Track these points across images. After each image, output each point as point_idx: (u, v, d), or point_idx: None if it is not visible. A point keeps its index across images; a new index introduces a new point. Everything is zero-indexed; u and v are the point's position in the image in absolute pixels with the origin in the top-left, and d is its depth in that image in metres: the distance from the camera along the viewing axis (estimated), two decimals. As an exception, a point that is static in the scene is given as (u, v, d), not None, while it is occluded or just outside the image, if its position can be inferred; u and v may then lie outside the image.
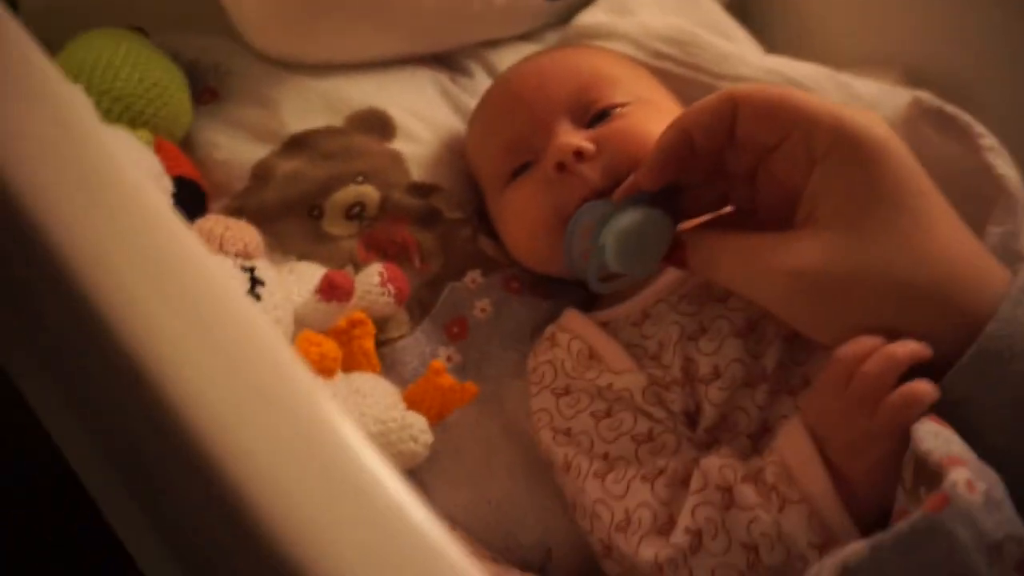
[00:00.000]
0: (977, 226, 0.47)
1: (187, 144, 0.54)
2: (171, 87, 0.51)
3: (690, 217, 0.44)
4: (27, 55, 0.24)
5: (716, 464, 0.39)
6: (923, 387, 0.34)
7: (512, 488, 0.48)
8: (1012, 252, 0.45)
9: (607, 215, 0.42)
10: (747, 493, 0.38)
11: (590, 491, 0.43)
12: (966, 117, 0.51)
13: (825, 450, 0.36)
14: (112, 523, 0.42)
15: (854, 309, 0.37)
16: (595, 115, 0.49)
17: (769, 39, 0.71)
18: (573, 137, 0.47)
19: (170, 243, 0.22)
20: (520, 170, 0.50)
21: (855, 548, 0.31)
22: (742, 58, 0.60)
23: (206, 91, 0.56)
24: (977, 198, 0.47)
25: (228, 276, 0.22)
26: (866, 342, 0.36)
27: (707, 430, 0.44)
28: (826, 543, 0.35)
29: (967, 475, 0.30)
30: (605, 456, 0.44)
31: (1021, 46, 0.63)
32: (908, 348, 0.35)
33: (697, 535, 0.38)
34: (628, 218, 0.41)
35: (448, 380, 0.44)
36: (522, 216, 0.50)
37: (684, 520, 0.39)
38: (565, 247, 0.44)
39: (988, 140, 0.49)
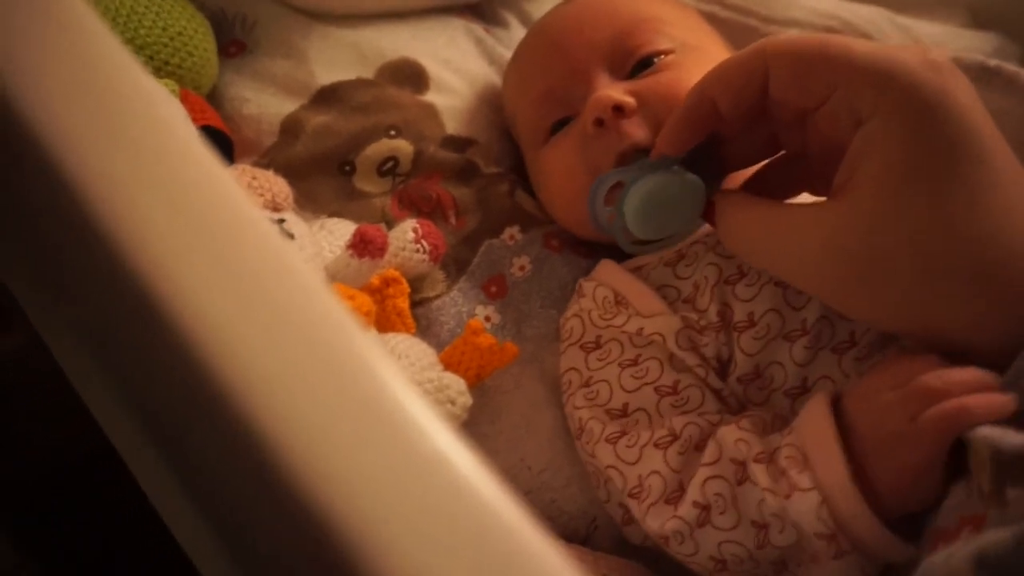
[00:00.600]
0: None
1: (213, 98, 0.52)
2: (196, 37, 0.49)
3: (736, 167, 0.41)
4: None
5: (732, 436, 0.37)
6: (979, 404, 0.31)
7: (554, 455, 0.46)
8: None
9: (630, 180, 0.39)
10: (758, 473, 0.35)
11: (602, 456, 0.41)
12: (1010, 67, 0.48)
13: (852, 440, 0.33)
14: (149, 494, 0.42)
15: (891, 291, 0.33)
16: (637, 63, 0.46)
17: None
18: (613, 90, 0.44)
19: (204, 180, 0.20)
20: (559, 125, 0.48)
21: (996, 536, 0.27)
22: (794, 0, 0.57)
23: (232, 43, 0.54)
24: None
25: (260, 216, 0.20)
26: (951, 376, 0.32)
27: (740, 380, 0.41)
28: (834, 536, 0.33)
29: None
30: (624, 408, 0.42)
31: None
32: (987, 401, 0.31)
33: (705, 509, 0.37)
34: (649, 184, 0.38)
35: (487, 339, 0.42)
36: (558, 176, 0.47)
37: (693, 492, 0.37)
38: (590, 212, 0.42)
39: None
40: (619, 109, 0.43)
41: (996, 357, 0.32)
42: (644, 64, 0.46)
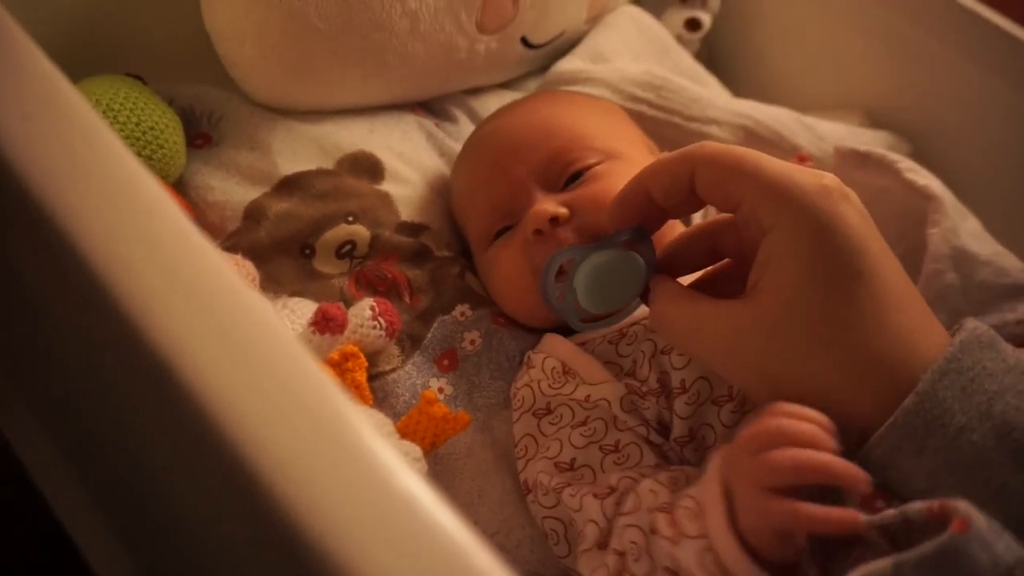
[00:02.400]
0: (916, 236, 0.50)
1: (181, 187, 0.55)
2: (167, 131, 0.52)
3: (682, 272, 0.45)
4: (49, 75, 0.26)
5: (647, 488, 0.41)
6: (816, 512, 0.33)
7: (505, 518, 0.48)
8: (955, 248, 0.49)
9: (579, 257, 0.44)
10: (659, 521, 0.39)
11: (547, 504, 0.45)
12: (878, 151, 0.55)
13: (730, 497, 0.36)
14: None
15: (786, 385, 0.37)
16: (569, 177, 0.52)
17: (735, 88, 0.74)
18: (548, 204, 0.50)
19: (195, 255, 0.24)
20: (503, 231, 0.53)
21: (879, 565, 0.31)
22: (712, 101, 0.64)
23: (199, 136, 0.58)
24: (913, 212, 0.51)
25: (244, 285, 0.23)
26: (793, 427, 0.34)
27: (677, 441, 0.45)
28: None
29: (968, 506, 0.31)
30: (571, 463, 0.46)
31: (969, 87, 0.67)
32: (822, 460, 0.33)
33: (622, 556, 0.40)
34: (596, 259, 0.43)
35: (441, 409, 0.45)
36: (504, 275, 0.52)
37: (614, 540, 0.41)
38: (541, 290, 0.46)
39: (905, 163, 0.54)
40: (554, 220, 0.49)
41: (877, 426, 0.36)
42: (575, 177, 0.52)
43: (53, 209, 0.23)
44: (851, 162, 0.56)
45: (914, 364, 0.35)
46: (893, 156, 0.55)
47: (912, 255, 0.51)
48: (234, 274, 0.24)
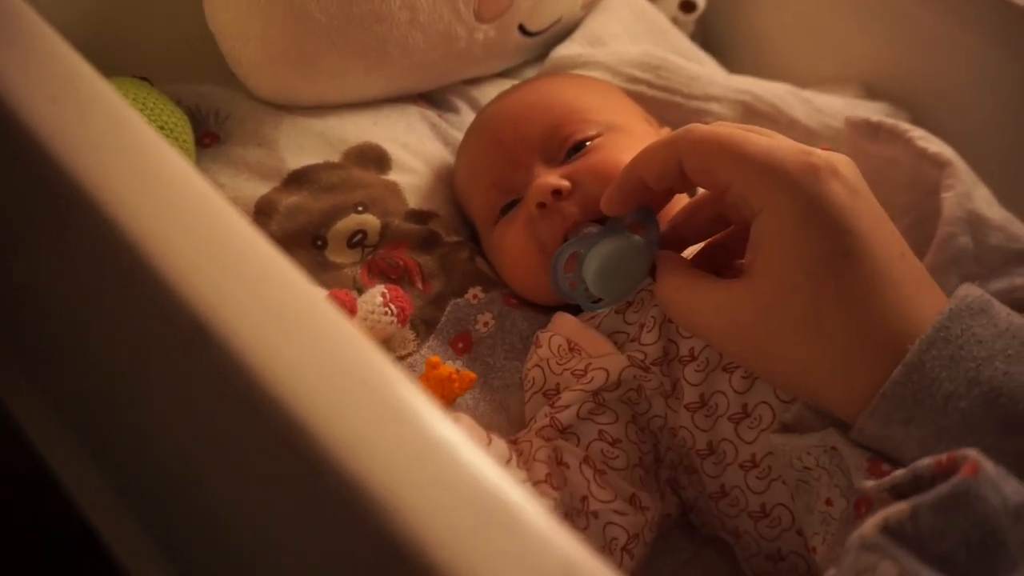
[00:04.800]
0: (928, 205, 0.51)
1: (191, 185, 0.56)
2: (177, 130, 0.53)
3: (690, 242, 0.46)
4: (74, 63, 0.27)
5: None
6: None
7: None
8: (969, 212, 0.49)
9: (586, 247, 0.45)
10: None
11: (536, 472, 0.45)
12: (890, 120, 0.56)
13: None
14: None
15: (781, 362, 0.38)
16: (570, 149, 0.52)
17: (732, 68, 0.75)
18: (550, 177, 0.50)
19: (224, 222, 0.25)
20: (507, 208, 0.53)
21: (898, 507, 0.32)
22: (711, 79, 0.64)
23: (207, 135, 0.58)
24: (924, 181, 0.51)
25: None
26: None
27: (688, 407, 0.46)
28: None
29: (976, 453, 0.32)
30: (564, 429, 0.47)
31: (965, 56, 0.68)
32: None
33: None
34: (603, 248, 0.44)
35: (446, 369, 0.46)
36: (512, 252, 0.53)
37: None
38: (552, 281, 0.47)
39: (916, 132, 0.54)
40: (557, 192, 0.49)
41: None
42: (575, 149, 0.52)
43: (85, 184, 0.24)
44: (861, 132, 0.56)
45: (906, 337, 0.36)
46: (904, 125, 0.55)
47: (923, 223, 0.52)
48: (265, 240, 0.25)
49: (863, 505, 0.36)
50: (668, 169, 0.41)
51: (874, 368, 0.36)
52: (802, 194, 0.37)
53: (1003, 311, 0.37)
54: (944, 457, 0.33)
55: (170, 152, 0.25)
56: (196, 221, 0.24)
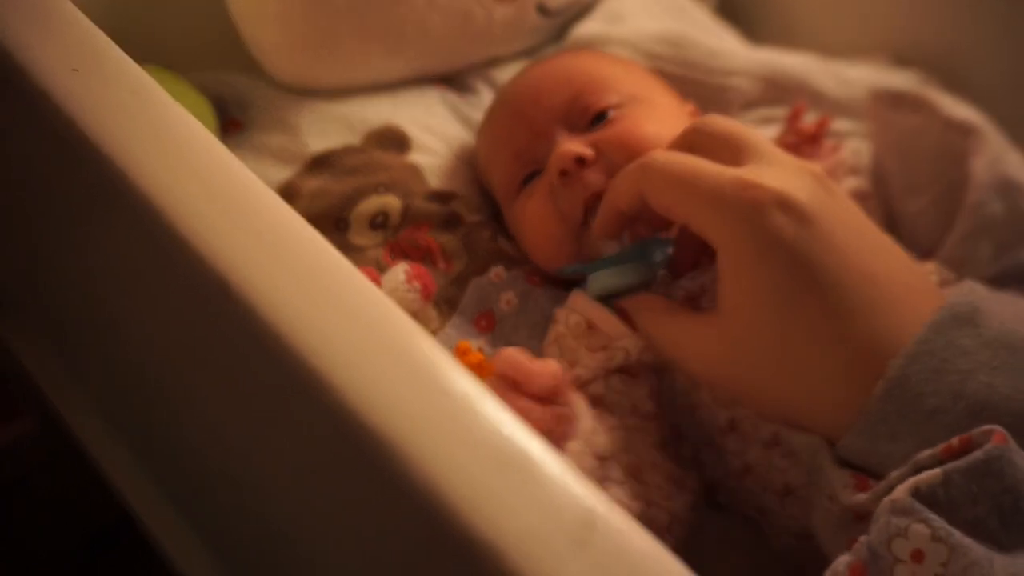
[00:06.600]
0: (956, 174, 0.50)
1: (216, 171, 0.57)
2: (201, 117, 0.53)
3: (684, 268, 0.47)
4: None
5: None
6: None
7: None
8: (1000, 176, 0.48)
9: (590, 270, 0.48)
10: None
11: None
12: (915, 90, 0.54)
13: None
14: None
15: (754, 392, 0.39)
16: (592, 118, 0.52)
17: (757, 38, 0.74)
18: (573, 144, 0.49)
19: (245, 186, 0.25)
20: (528, 179, 0.53)
21: (931, 473, 0.32)
22: (732, 53, 0.64)
23: (230, 122, 0.59)
24: (951, 150, 0.50)
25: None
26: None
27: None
28: None
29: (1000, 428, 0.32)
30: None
31: (998, 24, 0.66)
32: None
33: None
34: (602, 280, 0.47)
35: (476, 356, 0.46)
36: (534, 223, 0.52)
37: None
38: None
39: (941, 99, 0.53)
40: (580, 160, 0.49)
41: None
42: (599, 118, 0.52)
43: (108, 150, 0.24)
44: (885, 103, 0.55)
45: (886, 356, 0.35)
46: (929, 94, 0.54)
47: (952, 192, 0.51)
48: (287, 206, 0.25)
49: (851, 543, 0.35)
50: (635, 200, 0.41)
51: (856, 393, 0.36)
52: (749, 233, 0.36)
53: (995, 316, 0.36)
54: (956, 440, 0.32)
55: (190, 119, 0.26)
56: (218, 187, 0.24)
